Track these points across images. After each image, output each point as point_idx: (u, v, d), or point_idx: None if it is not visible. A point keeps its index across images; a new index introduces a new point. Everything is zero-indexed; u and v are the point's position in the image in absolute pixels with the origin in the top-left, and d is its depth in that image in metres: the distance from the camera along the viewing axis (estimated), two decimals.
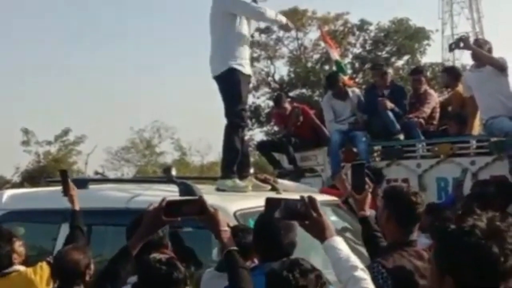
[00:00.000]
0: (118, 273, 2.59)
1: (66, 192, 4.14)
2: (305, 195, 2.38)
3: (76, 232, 3.89)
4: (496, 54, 6.66)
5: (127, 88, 53.53)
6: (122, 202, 4.20)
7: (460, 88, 7.47)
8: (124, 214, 3.98)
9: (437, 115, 7.56)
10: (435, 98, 7.58)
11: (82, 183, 5.18)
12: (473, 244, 1.69)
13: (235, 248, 2.55)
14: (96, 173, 29.06)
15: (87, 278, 3.38)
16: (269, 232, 2.93)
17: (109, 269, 2.63)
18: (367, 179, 3.49)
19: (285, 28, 5.75)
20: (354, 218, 4.76)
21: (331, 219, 4.37)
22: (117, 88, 53.20)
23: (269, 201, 2.37)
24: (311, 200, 2.32)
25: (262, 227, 2.99)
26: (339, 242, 2.28)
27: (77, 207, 4.04)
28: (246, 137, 5.76)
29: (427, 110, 7.31)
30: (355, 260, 2.23)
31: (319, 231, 2.30)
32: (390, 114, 7.20)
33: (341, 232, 4.58)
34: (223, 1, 5.29)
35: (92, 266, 3.43)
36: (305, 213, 2.30)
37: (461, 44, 6.60)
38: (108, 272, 2.62)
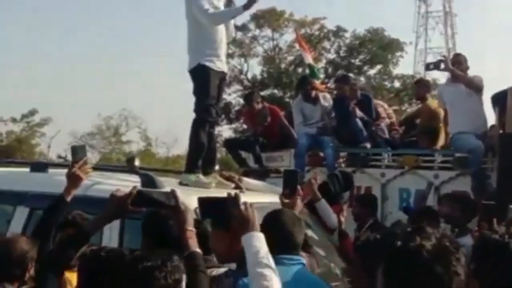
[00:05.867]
0: (70, 256, 2.53)
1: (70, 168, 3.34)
2: (232, 192, 2.56)
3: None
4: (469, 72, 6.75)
5: (99, 74, 52.90)
6: (80, 189, 4.07)
7: (430, 101, 7.55)
8: (82, 202, 3.88)
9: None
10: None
11: (42, 166, 5.06)
12: (418, 265, 1.66)
13: (198, 250, 2.49)
14: (59, 157, 28.64)
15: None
16: (283, 226, 3.01)
17: (63, 250, 2.56)
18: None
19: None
20: (316, 221, 4.77)
21: None
22: (89, 73, 52.52)
23: (201, 201, 2.52)
24: (235, 197, 2.46)
25: (275, 222, 3.03)
26: (257, 238, 2.37)
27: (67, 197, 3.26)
28: (215, 133, 5.71)
29: None
30: (267, 258, 2.31)
31: (240, 225, 2.41)
32: (359, 122, 7.23)
33: None
34: (187, 2, 5.30)
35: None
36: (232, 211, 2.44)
37: (442, 66, 6.64)
38: (62, 252, 2.54)
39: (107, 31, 56.15)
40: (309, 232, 4.65)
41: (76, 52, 53.68)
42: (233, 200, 2.43)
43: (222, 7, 5.31)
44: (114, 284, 2.19)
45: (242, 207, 2.41)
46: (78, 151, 3.38)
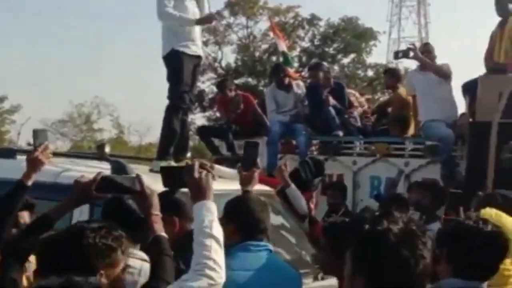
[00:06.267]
0: (35, 241, 2.47)
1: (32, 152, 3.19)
2: (190, 162, 2.63)
3: None
4: (438, 61, 6.84)
5: (71, 61, 52.20)
6: (51, 176, 4.05)
7: (401, 90, 7.62)
8: (52, 189, 3.84)
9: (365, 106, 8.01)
10: None
11: (10, 153, 4.98)
12: (384, 248, 1.68)
13: (164, 234, 2.48)
14: (29, 144, 28.22)
15: None
16: (249, 211, 3.01)
17: (25, 236, 2.52)
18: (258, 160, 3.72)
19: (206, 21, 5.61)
20: (288, 209, 4.78)
21: None
22: (61, 60, 51.79)
23: (163, 170, 2.62)
24: (190, 166, 2.46)
25: (240, 208, 3.04)
26: (206, 208, 2.34)
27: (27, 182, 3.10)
28: (188, 120, 5.69)
29: None
30: (210, 227, 2.29)
31: (195, 192, 2.39)
32: (332, 110, 7.27)
33: (272, 223, 4.57)
34: None
35: None
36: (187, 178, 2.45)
37: (411, 54, 6.71)
38: (24, 239, 2.50)
39: (80, 17, 55.35)
40: (280, 219, 4.69)
41: (47, 38, 52.93)
42: (188, 169, 2.44)
43: (191, 5, 5.29)
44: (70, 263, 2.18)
45: (197, 175, 2.40)
46: (39, 135, 3.29)
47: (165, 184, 2.64)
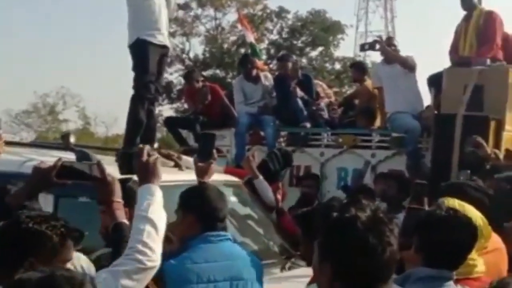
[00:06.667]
0: None
1: None
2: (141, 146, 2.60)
3: None
4: (404, 54, 6.92)
5: (36, 50, 51.24)
6: (14, 165, 3.98)
7: (368, 82, 7.69)
8: (16, 178, 3.77)
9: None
10: None
11: None
12: (352, 235, 1.68)
13: (125, 221, 2.47)
14: None
15: None
16: (207, 201, 2.98)
17: None
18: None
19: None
20: (256, 199, 4.79)
21: (232, 200, 4.35)
22: (25, 49, 50.75)
23: (120, 156, 2.73)
24: (140, 149, 2.49)
25: (198, 198, 3.00)
26: (153, 192, 2.36)
27: None
28: (155, 111, 5.64)
29: None
30: (146, 211, 2.29)
31: (142, 175, 2.42)
32: (299, 101, 7.29)
33: (240, 213, 4.58)
34: None
35: None
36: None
37: (377, 46, 6.78)
38: None
39: (45, 7, 54.30)
40: (248, 210, 4.69)
41: (12, 27, 51.80)
42: (137, 152, 2.46)
43: None
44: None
45: (144, 158, 2.41)
46: None
47: (121, 170, 2.63)
